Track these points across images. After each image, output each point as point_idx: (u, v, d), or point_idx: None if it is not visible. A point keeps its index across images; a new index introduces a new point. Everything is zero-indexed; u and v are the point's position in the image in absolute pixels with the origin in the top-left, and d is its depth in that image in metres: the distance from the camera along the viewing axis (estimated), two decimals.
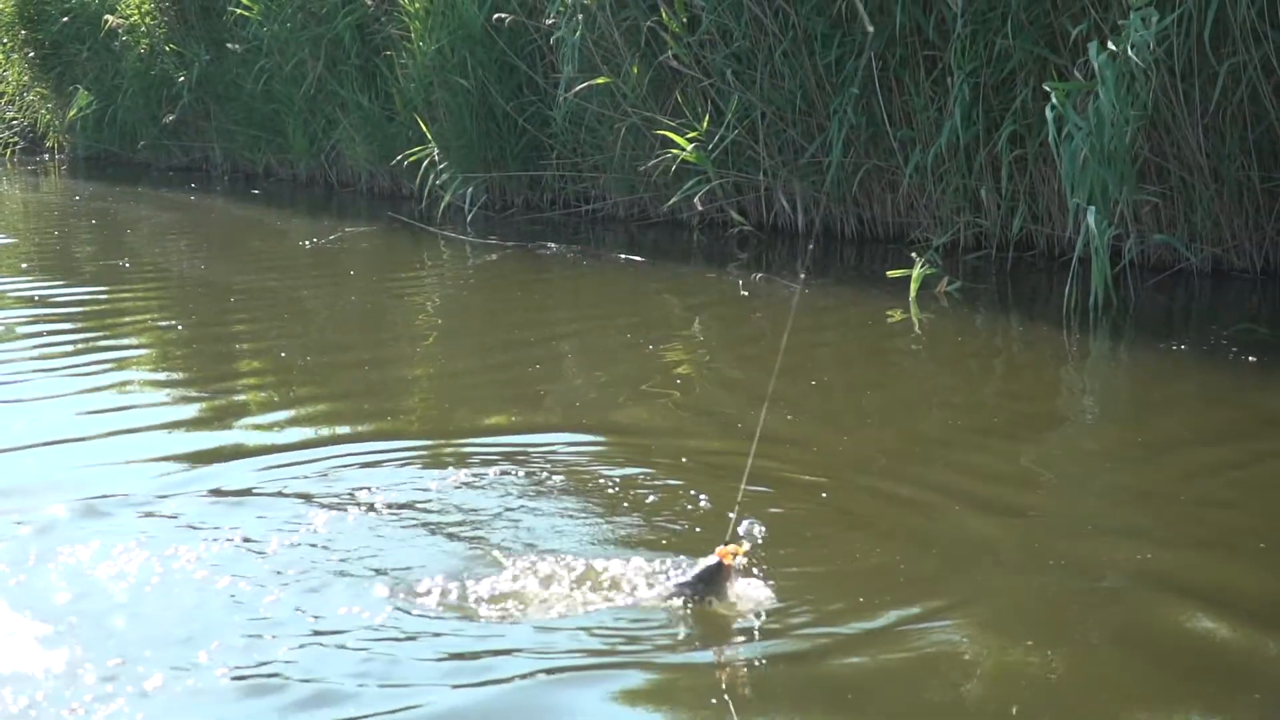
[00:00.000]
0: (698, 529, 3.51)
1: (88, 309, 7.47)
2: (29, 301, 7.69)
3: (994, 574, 3.24)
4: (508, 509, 3.67)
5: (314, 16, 12.59)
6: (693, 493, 3.75)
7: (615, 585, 3.09)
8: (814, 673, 2.74)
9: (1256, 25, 6.06)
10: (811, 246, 8.21)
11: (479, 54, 10.18)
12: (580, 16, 9.09)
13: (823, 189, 8.47)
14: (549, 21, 9.56)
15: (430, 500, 3.77)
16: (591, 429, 4.57)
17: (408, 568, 3.27)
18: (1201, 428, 4.58)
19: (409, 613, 3.01)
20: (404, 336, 6.66)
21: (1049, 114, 6.30)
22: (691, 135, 8.47)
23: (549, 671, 2.74)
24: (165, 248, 10.48)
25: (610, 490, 3.82)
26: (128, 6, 16.55)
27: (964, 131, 7.28)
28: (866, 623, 2.92)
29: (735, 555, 2.95)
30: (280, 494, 3.86)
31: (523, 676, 2.72)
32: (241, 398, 5.30)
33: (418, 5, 10.55)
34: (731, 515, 3.53)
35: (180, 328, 6.89)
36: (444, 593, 3.09)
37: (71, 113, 18.50)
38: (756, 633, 2.89)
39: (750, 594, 2.98)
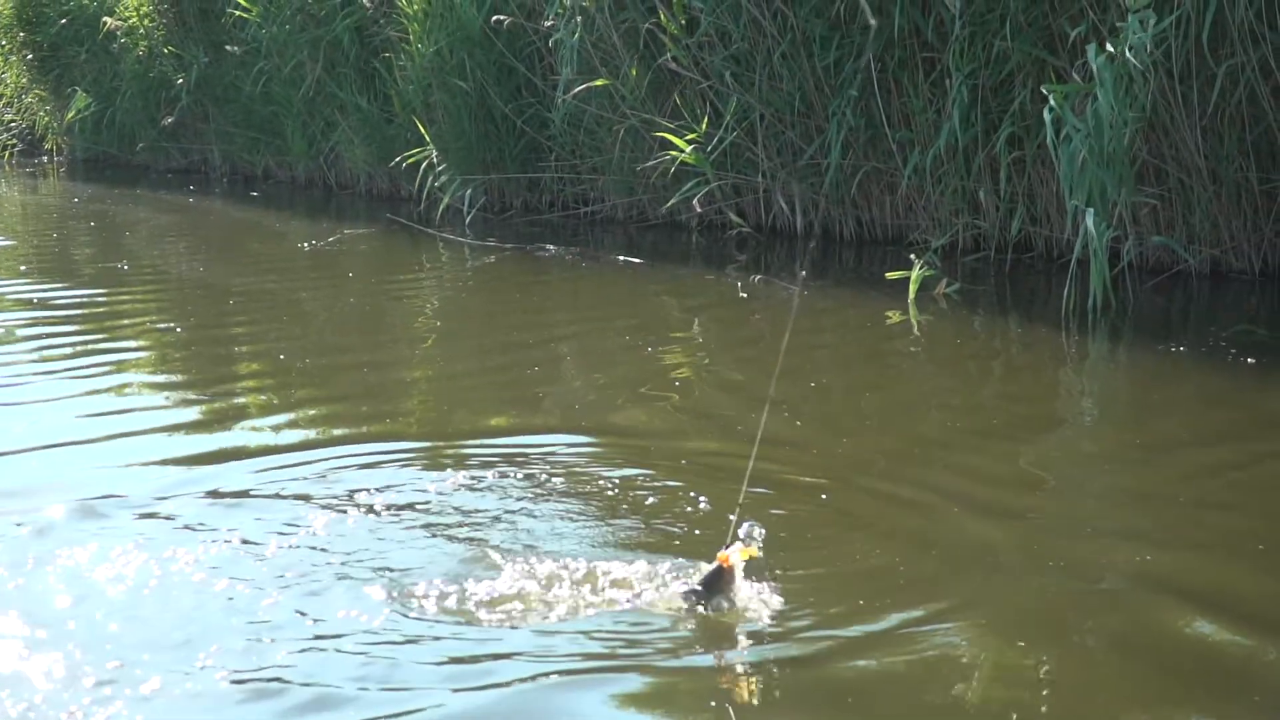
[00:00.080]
0: (697, 531, 3.51)
1: (86, 311, 7.47)
2: (28, 304, 7.69)
3: (994, 576, 3.24)
4: (507, 511, 3.67)
5: (313, 18, 12.60)
6: (692, 494, 3.76)
7: (615, 588, 3.09)
8: (814, 675, 2.74)
9: (1254, 27, 6.07)
10: (812, 245, 8.20)
11: (478, 56, 10.19)
12: (579, 18, 9.09)
13: (821, 191, 8.48)
14: (547, 23, 9.56)
15: (429, 502, 3.77)
16: (590, 431, 4.57)
17: (407, 570, 3.27)
18: (1200, 429, 4.58)
19: (409, 615, 3.01)
20: (403, 338, 6.66)
21: (1047, 116, 6.30)
22: (690, 137, 8.47)
23: (549, 675, 2.73)
24: (164, 250, 10.48)
25: (609, 492, 3.82)
26: (126, 8, 16.55)
27: (962, 133, 7.28)
28: (866, 625, 2.92)
29: (738, 557, 2.94)
30: (279, 496, 3.86)
31: (523, 680, 2.72)
32: (240, 400, 5.30)
33: (416, 7, 10.55)
34: (732, 517, 3.53)
35: (179, 330, 6.89)
36: (444, 595, 3.08)
37: (70, 115, 18.50)
38: (757, 635, 2.89)
39: (754, 597, 2.98)
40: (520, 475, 3.97)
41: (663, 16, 8.57)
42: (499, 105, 10.22)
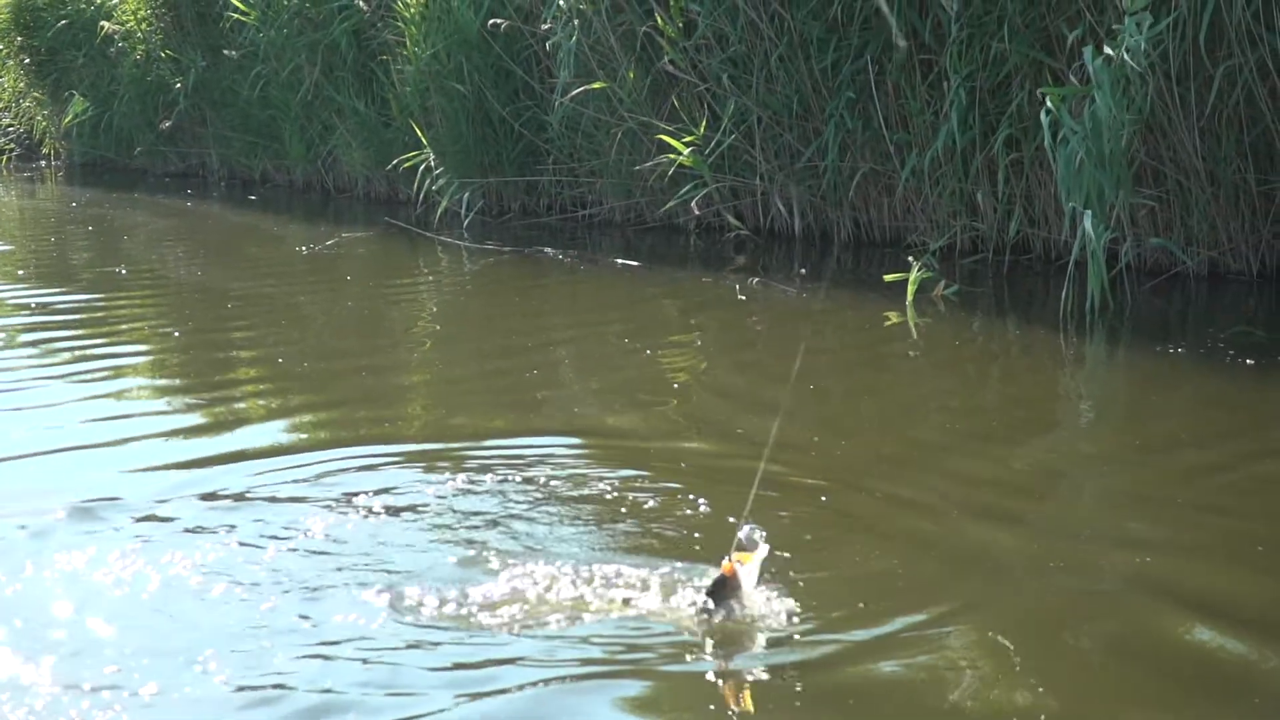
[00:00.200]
0: (696, 534, 3.51)
1: (85, 315, 7.46)
2: (26, 308, 7.68)
3: (993, 579, 3.24)
4: (507, 514, 3.67)
5: (310, 22, 12.60)
6: (691, 497, 3.75)
7: (617, 593, 3.08)
8: (815, 678, 2.73)
9: (1252, 28, 6.07)
10: (836, 253, 8.18)
11: (475, 59, 10.19)
12: (576, 21, 9.09)
13: (819, 193, 8.48)
14: (545, 27, 9.56)
15: (429, 505, 3.76)
16: (589, 433, 4.56)
17: (408, 574, 3.26)
18: (1199, 430, 4.58)
19: (410, 620, 3.00)
20: (401, 342, 6.66)
21: (1044, 119, 6.31)
22: (688, 139, 8.47)
23: (552, 680, 2.73)
24: (162, 254, 10.48)
25: (609, 495, 3.82)
26: (124, 12, 16.55)
27: (960, 135, 7.28)
28: (866, 628, 2.92)
29: (742, 564, 2.92)
30: (279, 499, 3.86)
31: (526, 685, 2.71)
32: (239, 403, 5.29)
33: (413, 11, 10.55)
34: (732, 519, 3.53)
35: (177, 334, 6.89)
36: (445, 600, 3.08)
37: (67, 119, 18.50)
38: (758, 639, 2.88)
39: (761, 602, 2.97)
40: (519, 478, 3.97)
41: (660, 19, 8.57)
42: (496, 108, 10.23)
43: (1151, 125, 6.52)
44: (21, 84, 20.66)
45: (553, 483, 3.94)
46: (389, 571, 3.29)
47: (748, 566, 2.97)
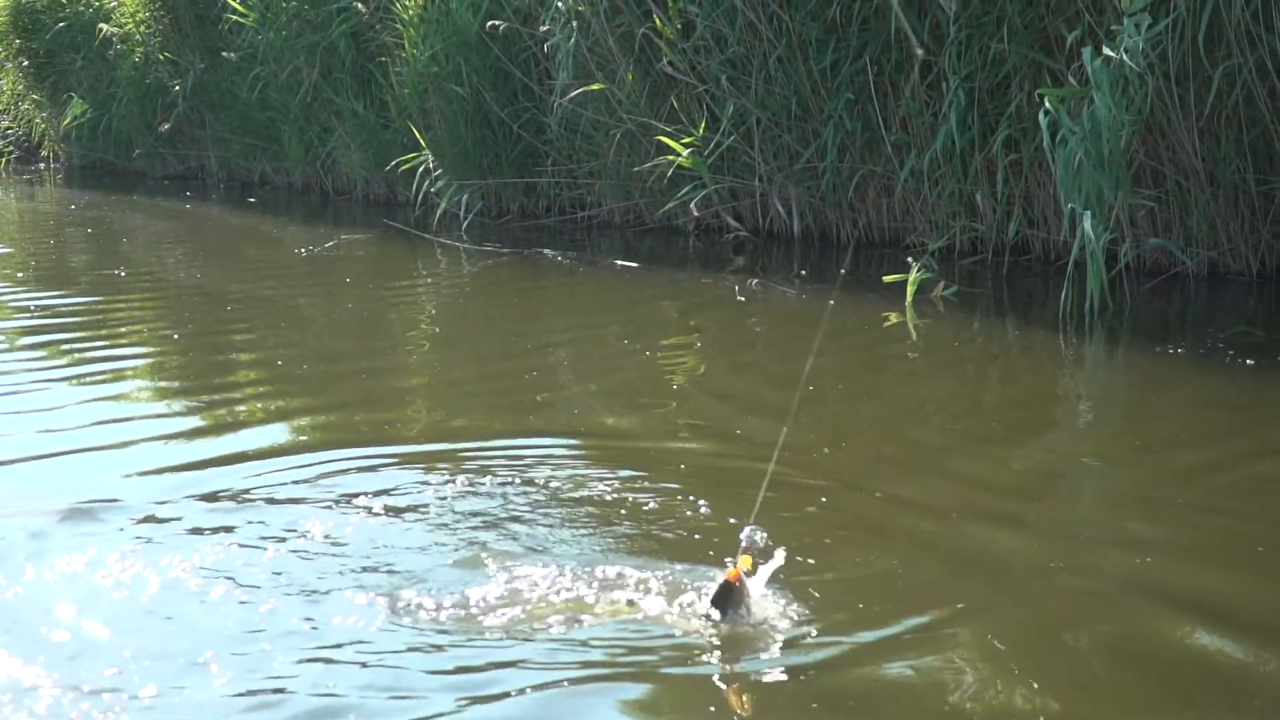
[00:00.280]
0: (696, 535, 3.50)
1: (84, 318, 7.46)
2: (25, 311, 7.68)
3: (993, 581, 3.23)
4: (508, 517, 3.67)
5: (309, 24, 12.60)
6: (691, 498, 3.75)
7: (619, 596, 3.07)
8: (816, 680, 2.73)
9: (1251, 28, 6.07)
10: (850, 252, 8.13)
11: (474, 61, 10.19)
12: (575, 23, 9.09)
13: (818, 194, 8.48)
14: (544, 28, 9.56)
15: (429, 507, 3.76)
16: (589, 435, 4.56)
17: (408, 576, 3.26)
18: (1199, 431, 4.58)
19: (411, 623, 3.00)
20: (400, 344, 6.65)
21: (1042, 119, 6.30)
22: (687, 141, 8.47)
23: (555, 684, 2.72)
24: (161, 256, 10.47)
25: (609, 497, 3.81)
26: (122, 15, 16.55)
27: (959, 136, 7.28)
28: (866, 631, 2.91)
29: (746, 569, 2.91)
30: (279, 502, 3.86)
31: (528, 689, 2.70)
32: (238, 406, 5.29)
33: (412, 13, 10.56)
34: (735, 520, 3.53)
35: (176, 336, 6.88)
36: (446, 603, 3.07)
37: (66, 121, 18.51)
38: (760, 642, 2.87)
39: (768, 606, 2.96)
40: (519, 480, 3.96)
41: (658, 21, 8.57)
42: (495, 110, 10.23)
43: (1151, 126, 6.52)
44: (20, 86, 20.67)
45: (553, 484, 3.93)
46: (389, 574, 3.29)
47: (755, 574, 2.95)
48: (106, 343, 6.68)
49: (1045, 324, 6.14)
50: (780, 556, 3.08)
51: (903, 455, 4.32)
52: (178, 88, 15.66)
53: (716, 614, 2.88)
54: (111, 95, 17.32)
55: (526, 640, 2.90)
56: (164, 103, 16.16)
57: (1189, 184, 6.60)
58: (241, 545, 3.50)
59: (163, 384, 5.79)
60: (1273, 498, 3.84)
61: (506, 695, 2.69)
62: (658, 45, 8.73)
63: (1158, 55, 6.19)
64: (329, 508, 3.78)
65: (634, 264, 8.34)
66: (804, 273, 7.79)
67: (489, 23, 9.90)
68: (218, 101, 15.18)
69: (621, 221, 9.91)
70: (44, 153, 21.10)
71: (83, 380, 5.69)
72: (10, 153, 21.73)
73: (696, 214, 8.84)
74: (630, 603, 3.03)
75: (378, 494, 3.88)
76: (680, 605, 2.99)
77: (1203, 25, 6.05)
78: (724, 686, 2.72)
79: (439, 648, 2.89)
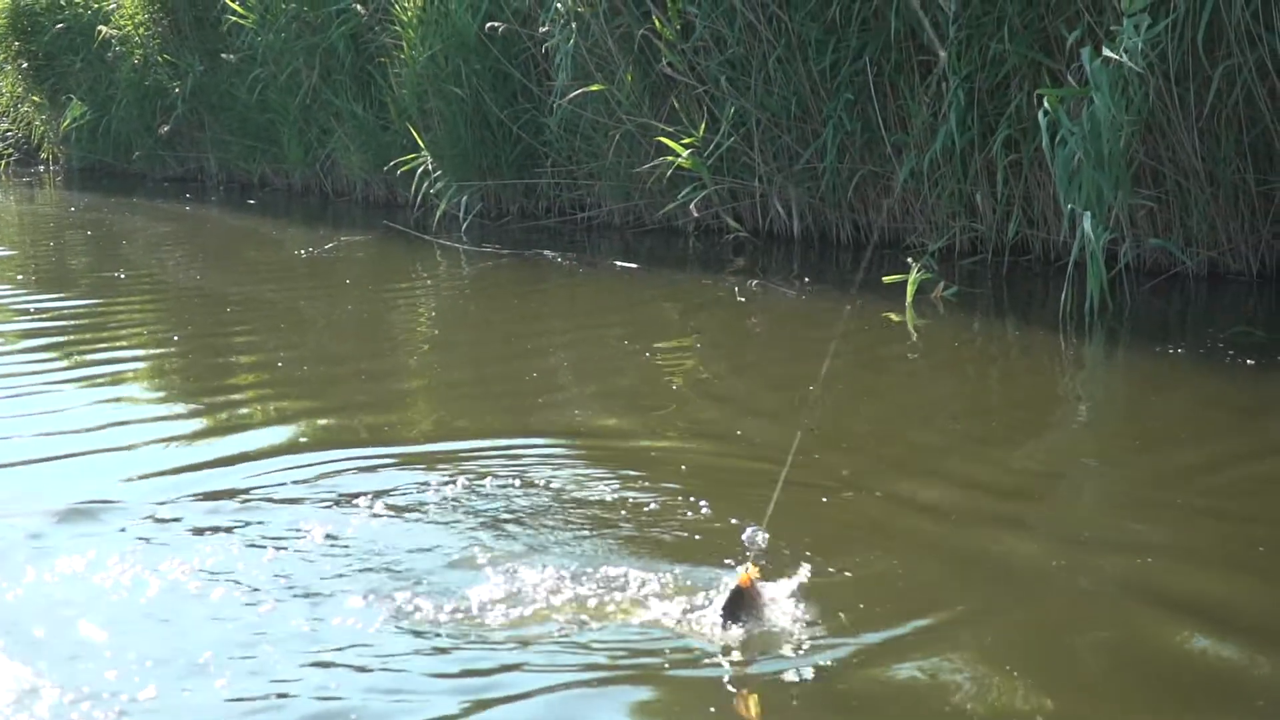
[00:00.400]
0: (697, 536, 3.50)
1: (84, 320, 7.46)
2: (25, 313, 7.68)
3: (993, 582, 3.23)
4: (509, 518, 3.66)
5: (308, 26, 12.60)
6: (692, 499, 3.75)
7: (622, 598, 3.07)
8: (816, 681, 2.73)
9: (1251, 28, 6.07)
10: (869, 254, 8.08)
11: (473, 62, 10.19)
12: (574, 24, 9.09)
13: (818, 195, 8.48)
14: (543, 29, 9.56)
15: (430, 509, 3.76)
16: (589, 436, 4.56)
17: (409, 578, 3.25)
18: (1199, 431, 4.57)
19: (412, 625, 2.99)
20: (401, 346, 6.65)
21: (1042, 120, 6.30)
22: (687, 141, 8.47)
23: (558, 687, 2.72)
24: (161, 258, 10.47)
25: (610, 498, 3.81)
26: (121, 17, 16.55)
27: (959, 136, 7.28)
28: (867, 631, 2.91)
29: (754, 576, 2.89)
30: (279, 504, 3.85)
31: (531, 692, 2.70)
32: (238, 407, 5.29)
33: (411, 14, 10.56)
34: (735, 521, 3.52)
35: (176, 338, 6.88)
36: (448, 605, 3.07)
37: (65, 123, 18.51)
38: (762, 644, 2.87)
39: (781, 610, 2.95)
40: (520, 481, 3.96)
41: (658, 22, 8.57)
42: (494, 111, 10.22)
43: (1150, 126, 6.51)
44: (19, 88, 20.68)
45: (553, 485, 3.93)
46: (390, 575, 3.28)
47: (771, 585, 2.93)
48: (106, 345, 6.67)
49: (1045, 324, 6.14)
50: (805, 572, 3.07)
51: (903, 456, 4.32)
52: (177, 90, 15.67)
53: (729, 621, 2.86)
54: (111, 97, 17.32)
55: (529, 643, 2.90)
56: (163, 105, 16.17)
57: (1189, 184, 6.60)
58: (242, 546, 3.49)
59: (163, 386, 5.79)
60: (1273, 498, 3.84)
61: (511, 699, 2.68)
62: (657, 46, 8.73)
63: (1157, 55, 6.18)
64: (329, 510, 3.78)
65: (634, 265, 8.33)
66: (807, 281, 7.77)
67: (488, 24, 9.90)
68: (217, 103, 15.19)
69: (621, 222, 9.91)
70: (43, 155, 21.11)
71: (83, 382, 5.69)
72: (10, 155, 21.73)
73: (696, 215, 8.84)
74: (634, 605, 3.02)
75: (378, 495, 3.87)
76: (687, 609, 2.98)
77: (1202, 25, 6.05)
78: (725, 689, 2.72)
79: (441, 650, 2.88)
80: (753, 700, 2.69)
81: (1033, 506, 3.82)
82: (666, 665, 2.79)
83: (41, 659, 2.87)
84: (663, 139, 8.59)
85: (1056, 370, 5.65)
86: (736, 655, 2.82)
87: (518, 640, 2.91)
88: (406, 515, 3.72)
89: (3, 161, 21.54)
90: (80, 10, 17.75)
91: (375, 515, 3.71)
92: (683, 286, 7.86)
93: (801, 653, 2.83)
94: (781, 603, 2.97)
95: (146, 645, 2.93)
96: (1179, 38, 6.17)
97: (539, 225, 10.38)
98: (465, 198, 10.36)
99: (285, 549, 3.47)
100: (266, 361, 6.21)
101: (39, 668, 2.82)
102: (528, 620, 2.99)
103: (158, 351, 6.50)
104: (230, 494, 3.95)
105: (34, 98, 20.19)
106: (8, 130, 21.97)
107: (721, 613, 2.87)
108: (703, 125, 8.51)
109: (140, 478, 4.16)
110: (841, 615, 2.99)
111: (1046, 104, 6.27)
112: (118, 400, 5.42)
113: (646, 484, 3.93)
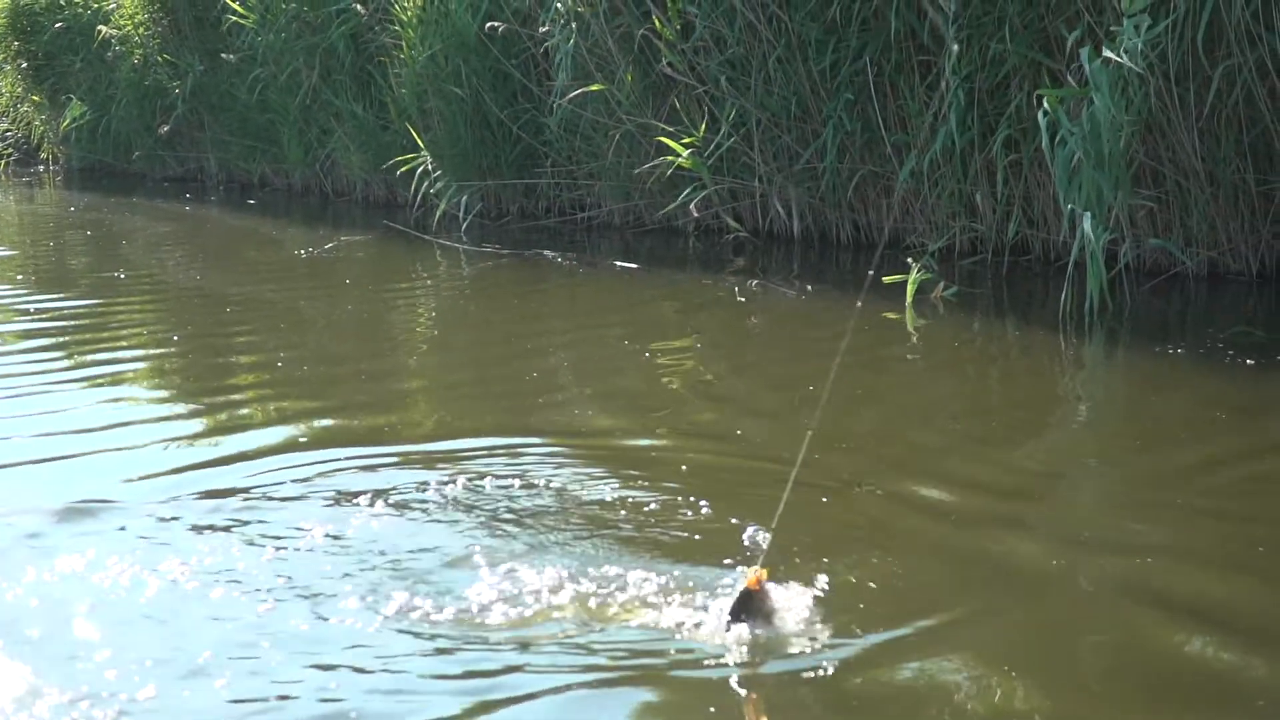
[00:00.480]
0: (697, 536, 3.50)
1: (84, 320, 7.46)
2: (25, 313, 7.67)
3: (993, 583, 3.23)
4: (509, 518, 3.66)
5: (308, 26, 12.60)
6: (693, 499, 3.74)
7: (625, 599, 3.07)
8: (816, 682, 2.72)
9: (1251, 28, 6.07)
10: (880, 253, 8.05)
11: (473, 62, 10.19)
12: (574, 24, 9.09)
13: (818, 195, 8.48)
14: (543, 29, 9.56)
15: (430, 510, 3.76)
16: (589, 436, 4.56)
17: (410, 579, 3.25)
18: (1199, 431, 4.57)
19: (413, 626, 2.99)
20: (401, 346, 6.65)
21: (1042, 120, 6.30)
22: (687, 142, 8.47)
23: (561, 688, 2.71)
24: (161, 258, 10.47)
25: (610, 498, 3.81)
26: (121, 17, 16.55)
27: (959, 136, 7.28)
28: (867, 632, 2.91)
29: (761, 579, 2.88)
30: (279, 504, 3.85)
31: (534, 693, 2.70)
32: (238, 408, 5.29)
33: (411, 14, 10.56)
34: (735, 521, 3.52)
35: (176, 338, 6.88)
36: (449, 606, 3.06)
37: (65, 123, 18.51)
38: (763, 646, 2.86)
39: (791, 612, 2.94)
40: (520, 481, 3.96)
41: (658, 22, 8.57)
42: (494, 111, 10.22)
43: (1150, 126, 6.51)
44: (19, 88, 20.68)
45: (553, 485, 3.93)
46: (390, 575, 3.28)
47: (780, 588, 2.92)
48: (106, 345, 6.67)
49: (1045, 324, 6.14)
50: (818, 578, 3.07)
51: (903, 456, 4.31)
52: (177, 90, 15.67)
53: (734, 623, 2.86)
54: (110, 97, 17.32)
55: (530, 643, 2.90)
56: (163, 105, 16.16)
57: (1189, 184, 6.60)
58: (242, 546, 3.49)
59: (163, 386, 5.79)
60: (1273, 498, 3.84)
61: (512, 700, 2.68)
62: (657, 46, 8.73)
63: (1157, 56, 6.18)
64: (329, 510, 3.77)
65: (634, 265, 8.33)
66: (808, 285, 7.75)
67: (488, 24, 9.90)
68: (217, 103, 15.19)
69: (621, 222, 9.91)
70: (43, 155, 21.11)
71: (83, 382, 5.69)
72: (9, 155, 21.73)
73: (696, 215, 8.84)
74: (634, 606, 3.02)
75: (378, 495, 3.87)
76: (688, 610, 2.97)
77: (1202, 25, 6.05)
78: (727, 690, 2.72)
79: (442, 651, 2.88)
80: (753, 701, 2.69)
81: (1033, 506, 3.82)
82: (668, 666, 2.79)
83: (41, 659, 2.86)
84: (663, 139, 8.59)
85: (1056, 370, 5.65)
86: (738, 656, 2.82)
87: (519, 641, 2.91)
88: (406, 515, 3.72)
89: (2, 161, 21.54)
90: (80, 10, 17.75)
91: (375, 515, 3.71)
92: (683, 286, 7.86)
93: (802, 653, 2.82)
94: (789, 606, 2.96)
95: (146, 645, 2.93)
96: (1179, 38, 6.17)
97: (539, 225, 10.38)
98: (465, 198, 10.36)
99: (285, 549, 3.47)
100: (266, 361, 6.21)
101: (39, 668, 2.82)
102: (529, 621, 2.99)
103: (158, 351, 6.50)
104: (230, 493, 3.95)
105: (34, 98, 20.19)
106: (7, 130, 21.97)
107: (728, 615, 2.87)
108: (703, 125, 8.51)
109: (140, 477, 4.16)
110: (844, 615, 2.99)
111: (1046, 104, 6.27)
112: (118, 400, 5.42)
113: (646, 484, 3.93)
